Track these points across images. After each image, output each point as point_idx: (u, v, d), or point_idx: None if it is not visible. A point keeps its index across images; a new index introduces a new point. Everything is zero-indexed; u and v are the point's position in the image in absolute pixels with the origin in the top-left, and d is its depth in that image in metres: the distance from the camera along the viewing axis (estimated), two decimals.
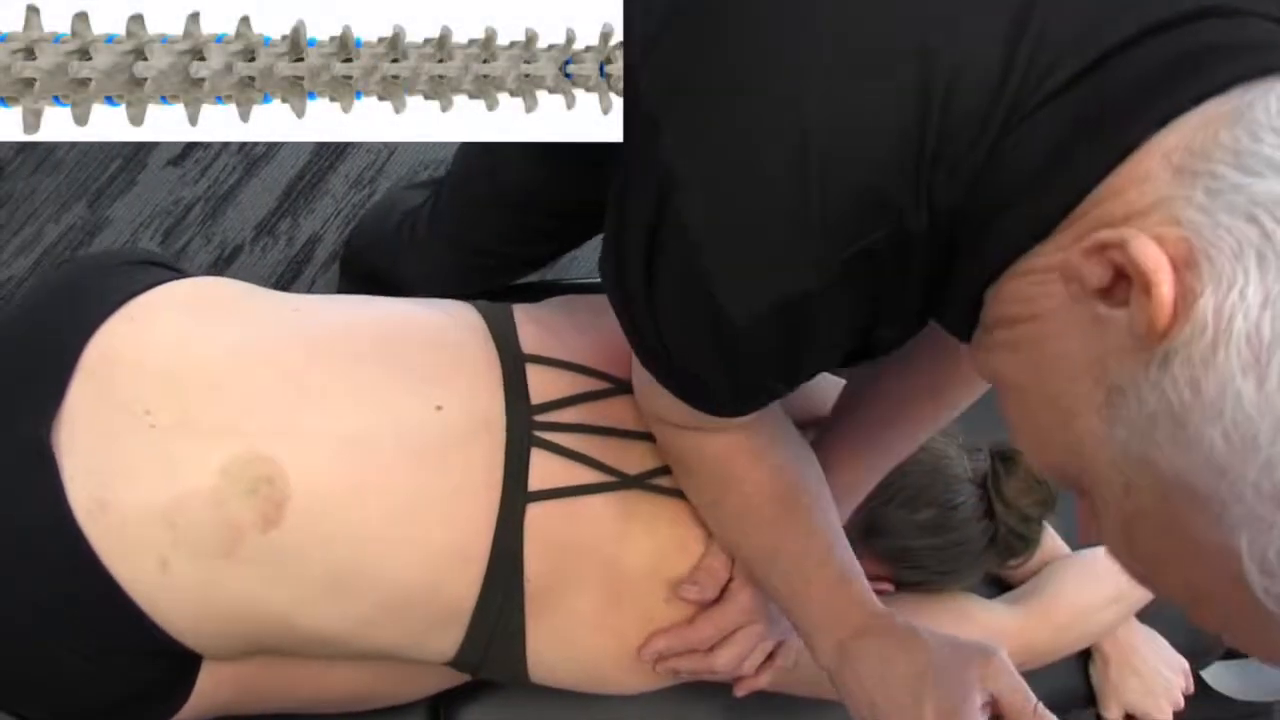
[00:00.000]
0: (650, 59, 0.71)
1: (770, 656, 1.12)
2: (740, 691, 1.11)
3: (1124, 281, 0.56)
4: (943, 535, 1.19)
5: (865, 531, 1.19)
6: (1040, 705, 0.85)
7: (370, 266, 1.68)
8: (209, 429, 0.94)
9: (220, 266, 1.91)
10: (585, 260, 1.71)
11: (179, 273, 1.07)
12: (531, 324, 1.12)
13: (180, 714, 1.03)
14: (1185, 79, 0.59)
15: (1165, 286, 0.53)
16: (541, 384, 1.07)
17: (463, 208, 1.41)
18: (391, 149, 2.01)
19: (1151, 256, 0.53)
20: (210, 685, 1.02)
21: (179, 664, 0.99)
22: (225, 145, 1.94)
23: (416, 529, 0.98)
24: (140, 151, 1.91)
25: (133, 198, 1.90)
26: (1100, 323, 0.57)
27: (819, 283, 0.68)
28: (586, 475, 1.05)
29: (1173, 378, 0.53)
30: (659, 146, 0.69)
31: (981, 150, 0.63)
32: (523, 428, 1.03)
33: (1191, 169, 0.55)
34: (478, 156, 1.33)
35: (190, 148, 1.93)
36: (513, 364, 1.07)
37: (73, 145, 1.88)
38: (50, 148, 1.86)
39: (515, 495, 1.01)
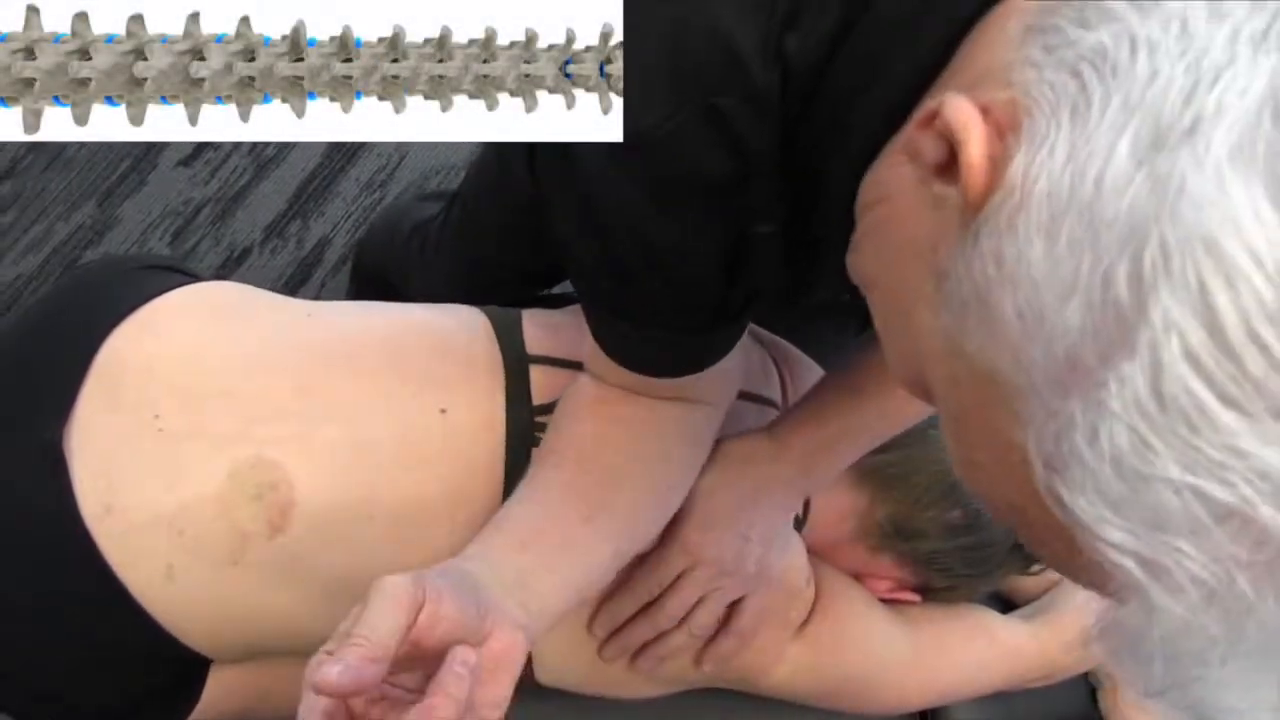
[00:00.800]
0: None
1: (729, 619, 1.09)
2: (706, 663, 1.10)
3: (957, 156, 0.51)
4: (973, 535, 1.18)
5: (895, 535, 1.19)
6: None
7: (380, 274, 1.68)
8: (217, 434, 0.95)
9: (229, 268, 1.92)
10: None
11: (191, 277, 1.08)
12: (537, 327, 1.12)
13: (189, 718, 1.03)
14: None
15: (974, 146, 0.49)
16: (545, 384, 1.07)
17: (476, 220, 1.41)
18: (402, 153, 2.01)
19: (961, 115, 0.49)
20: (219, 689, 1.03)
21: (187, 668, 1.00)
22: (236, 147, 1.95)
23: (420, 532, 0.98)
24: (151, 151, 1.91)
25: (143, 198, 1.91)
26: (936, 203, 0.53)
27: (664, 126, 0.67)
28: None
29: (981, 251, 0.49)
30: None
31: (834, 15, 0.61)
32: (524, 428, 1.03)
33: (1039, 26, 0.50)
34: (491, 168, 1.33)
35: (201, 149, 1.93)
36: (517, 365, 1.07)
37: (83, 145, 1.89)
38: (60, 146, 1.87)
39: None
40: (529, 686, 1.10)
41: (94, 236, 1.87)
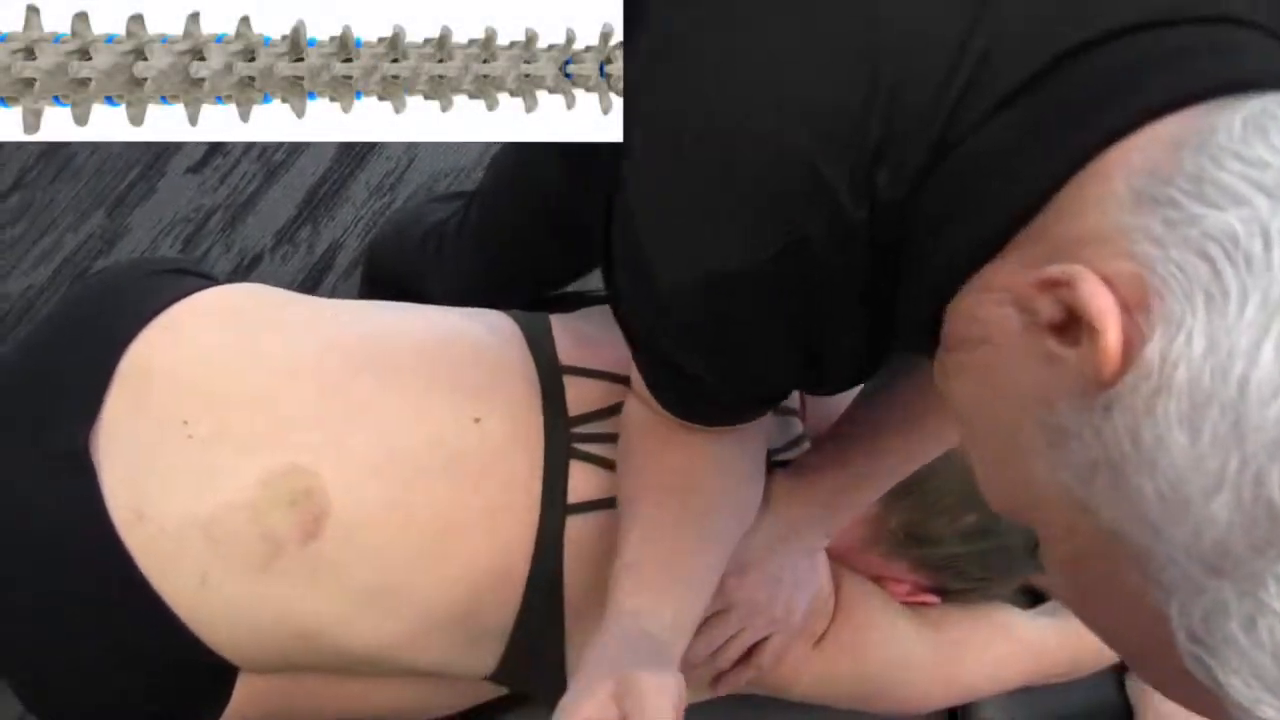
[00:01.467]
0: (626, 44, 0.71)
1: (752, 651, 1.09)
2: (719, 689, 1.10)
3: (1076, 320, 0.52)
4: (987, 540, 1.18)
5: (909, 541, 1.18)
6: None
7: (393, 276, 1.68)
8: (247, 441, 0.94)
9: (240, 274, 1.92)
10: None
11: (212, 280, 1.07)
12: (568, 335, 1.11)
13: None
14: (1145, 87, 0.55)
15: (1112, 334, 0.49)
16: (579, 395, 1.06)
17: (493, 222, 1.40)
18: (411, 156, 2.01)
19: (1099, 301, 0.50)
20: (246, 697, 1.02)
21: (216, 675, 1.00)
22: (245, 152, 1.94)
23: (455, 543, 0.97)
24: (159, 159, 1.91)
25: (152, 205, 1.91)
26: (1051, 360, 0.54)
27: (748, 262, 0.65)
28: None
29: (1114, 427, 0.50)
30: (625, 115, 0.68)
31: (924, 150, 0.60)
32: (561, 440, 1.03)
33: (1152, 195, 0.51)
34: (509, 170, 1.33)
35: (210, 155, 1.93)
36: (550, 375, 1.06)
37: (92, 152, 1.88)
38: (69, 155, 1.87)
39: (554, 508, 1.01)
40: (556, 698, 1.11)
41: (104, 246, 1.87)
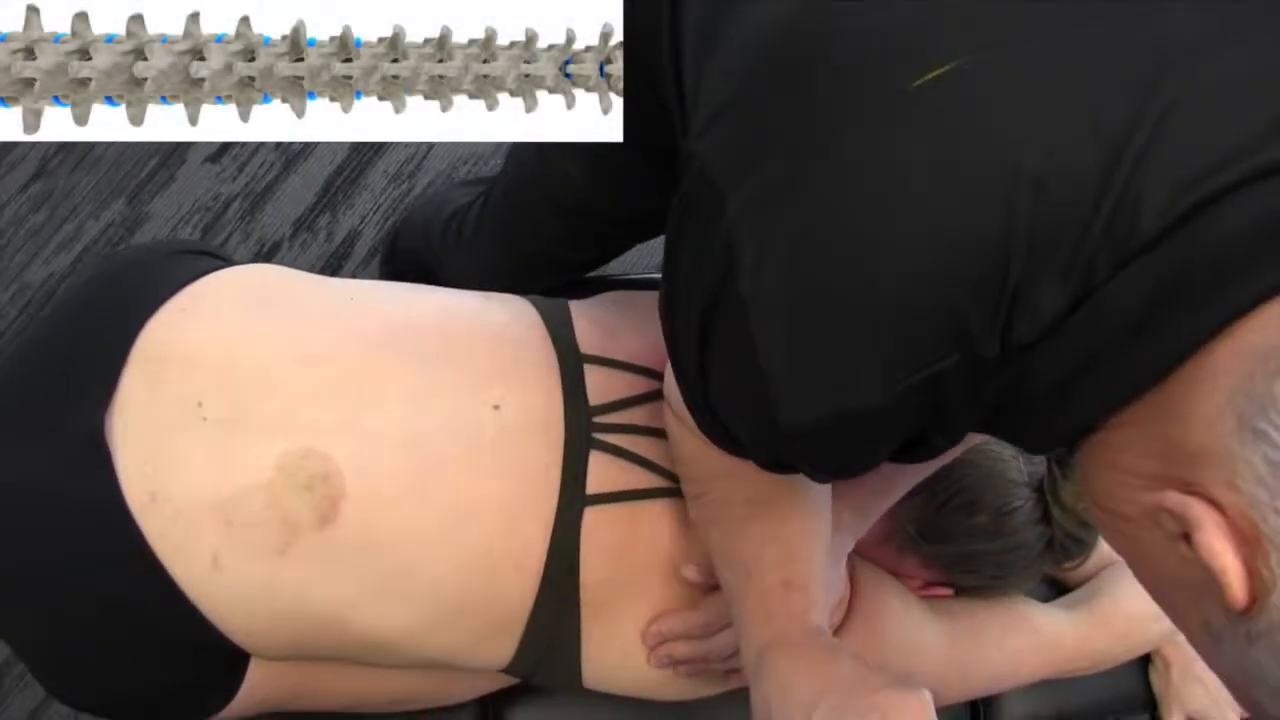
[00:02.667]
0: (721, 123, 0.68)
1: None
2: (735, 682, 1.10)
3: None
4: (1000, 539, 1.16)
5: (922, 536, 1.17)
6: None
7: (415, 263, 1.68)
8: (264, 423, 0.94)
9: (259, 262, 1.92)
10: (632, 252, 1.71)
11: (227, 261, 1.07)
12: (589, 323, 1.10)
13: (227, 709, 1.03)
14: (1262, 260, 0.56)
15: (1236, 587, 0.53)
16: (600, 385, 1.05)
17: (514, 209, 1.39)
18: (430, 144, 2.01)
19: (1220, 559, 0.53)
20: (258, 682, 1.02)
21: (227, 661, 0.99)
22: (263, 141, 1.95)
23: (472, 530, 0.97)
24: (179, 148, 1.92)
25: (171, 194, 1.91)
26: (1187, 561, 0.56)
27: (881, 401, 0.64)
28: (646, 479, 1.03)
29: (1259, 653, 0.54)
30: (724, 219, 0.65)
31: (1062, 298, 0.60)
32: (582, 429, 1.02)
33: (1252, 425, 0.53)
34: (530, 161, 1.32)
35: (228, 144, 1.94)
36: (571, 364, 1.05)
37: (110, 143, 1.89)
38: (89, 145, 1.88)
39: (573, 498, 1.00)
40: (570, 691, 1.11)
41: (124, 234, 1.89)
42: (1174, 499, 0.56)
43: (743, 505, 0.95)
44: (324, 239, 1.96)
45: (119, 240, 1.88)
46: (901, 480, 1.10)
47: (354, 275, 1.95)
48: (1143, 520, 0.60)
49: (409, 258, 1.71)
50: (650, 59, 0.81)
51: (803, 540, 0.95)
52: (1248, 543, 0.53)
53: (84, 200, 1.88)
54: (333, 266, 1.95)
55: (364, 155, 1.99)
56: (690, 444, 0.95)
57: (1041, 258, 0.58)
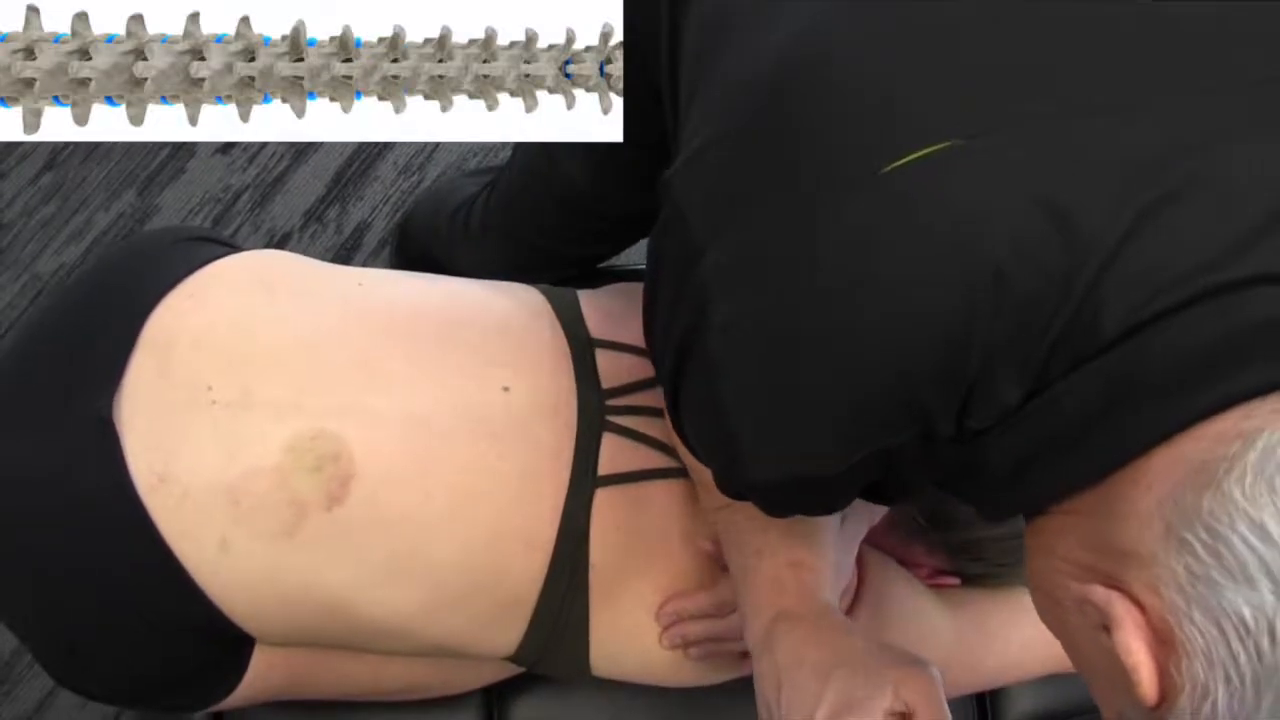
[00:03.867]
0: (701, 167, 0.70)
1: None
2: (745, 667, 1.09)
3: None
4: (1008, 526, 1.16)
5: (931, 523, 1.17)
6: None
7: (424, 252, 1.68)
8: (272, 405, 0.94)
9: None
10: (639, 246, 1.71)
11: (235, 248, 1.07)
12: (598, 310, 1.11)
13: (232, 696, 1.03)
14: (1221, 371, 0.57)
15: (1147, 684, 0.55)
16: (611, 368, 1.06)
17: (518, 204, 1.40)
18: None
19: (1134, 656, 0.55)
20: (263, 669, 1.03)
21: (233, 645, 1.00)
22: None
23: (481, 511, 0.97)
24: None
25: (182, 185, 1.92)
26: (1108, 652, 0.58)
27: (836, 468, 0.69)
28: (657, 460, 1.03)
29: None
30: (700, 269, 0.67)
31: (1018, 390, 0.62)
32: (594, 411, 1.02)
33: (1179, 535, 0.56)
34: (535, 156, 1.32)
35: None
36: (582, 348, 1.06)
37: None
38: None
39: (584, 479, 1.00)
40: (577, 679, 1.11)
41: (135, 225, 1.88)
42: (1099, 594, 0.58)
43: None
44: (334, 230, 1.96)
45: (129, 231, 1.88)
46: None
47: (364, 266, 1.95)
48: (1071, 607, 0.63)
49: (418, 249, 1.72)
50: (650, 59, 0.82)
51: (812, 524, 0.95)
52: (1163, 644, 0.55)
53: (94, 192, 1.89)
54: (342, 258, 1.95)
55: (374, 147, 1.99)
56: None
57: (1002, 351, 0.61)
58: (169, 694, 1.03)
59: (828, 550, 0.96)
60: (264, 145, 1.95)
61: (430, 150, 2.01)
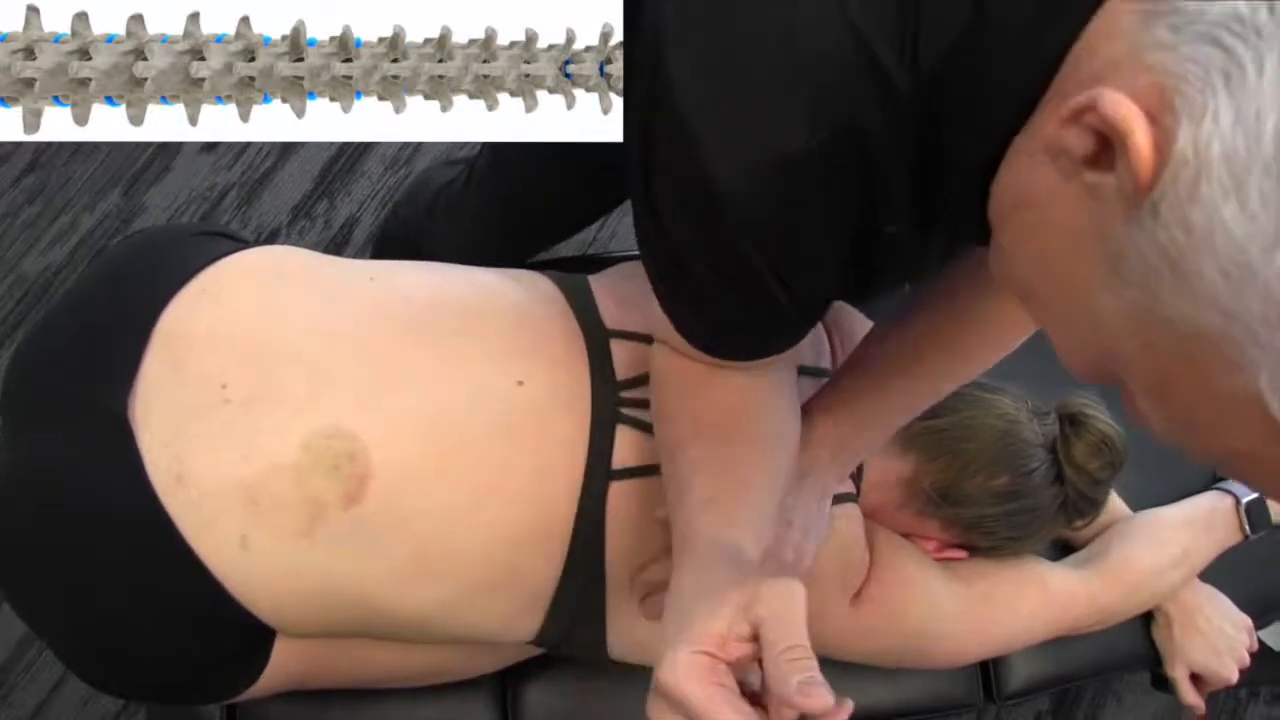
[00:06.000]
0: None
1: None
2: None
3: (1108, 145, 0.53)
4: (1017, 501, 1.18)
5: (942, 500, 1.18)
6: (813, 672, 0.68)
7: (407, 242, 1.68)
8: (288, 404, 0.94)
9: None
10: (627, 234, 1.70)
11: (246, 244, 1.07)
12: (610, 297, 1.11)
13: (255, 687, 1.04)
14: None
15: (1140, 135, 0.50)
16: (626, 358, 1.06)
17: (503, 166, 1.40)
18: None
19: (1121, 108, 0.51)
20: (285, 659, 1.03)
21: (254, 638, 1.00)
22: None
23: (498, 505, 0.97)
24: None
25: (167, 184, 1.91)
26: (1094, 193, 0.54)
27: (808, 143, 0.64)
28: None
29: (1164, 223, 0.50)
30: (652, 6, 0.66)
31: (965, 7, 0.60)
32: (608, 404, 1.02)
33: (1155, 9, 0.52)
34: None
35: None
36: (597, 340, 1.06)
37: None
38: None
39: (599, 472, 1.00)
40: (593, 663, 1.11)
41: (120, 225, 1.88)
42: (1078, 99, 0.54)
43: (691, 425, 0.93)
44: (322, 226, 1.96)
45: (115, 232, 1.87)
46: (891, 408, 1.09)
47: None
48: (1044, 183, 0.59)
49: (400, 235, 1.72)
50: None
51: (741, 466, 0.91)
52: (1153, 118, 0.51)
53: (79, 192, 1.88)
54: (332, 253, 1.94)
55: (360, 142, 1.99)
56: (670, 384, 0.94)
57: None
58: (192, 687, 1.04)
59: (756, 489, 0.91)
60: (249, 142, 1.94)
61: (416, 144, 2.01)
